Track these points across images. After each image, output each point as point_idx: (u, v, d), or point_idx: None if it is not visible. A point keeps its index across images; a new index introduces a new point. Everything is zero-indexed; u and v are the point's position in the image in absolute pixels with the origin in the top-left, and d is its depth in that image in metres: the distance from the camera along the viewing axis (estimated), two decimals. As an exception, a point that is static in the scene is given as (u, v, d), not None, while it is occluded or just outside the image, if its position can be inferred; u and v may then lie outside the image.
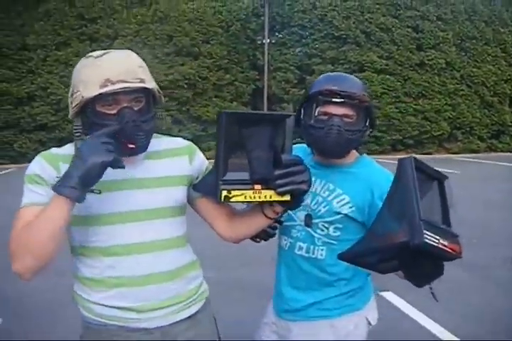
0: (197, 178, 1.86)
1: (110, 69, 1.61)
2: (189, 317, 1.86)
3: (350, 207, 2.12)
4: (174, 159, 1.84)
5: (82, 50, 19.79)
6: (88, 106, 1.62)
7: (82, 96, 1.61)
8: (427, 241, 1.41)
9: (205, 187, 1.75)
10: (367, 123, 2.14)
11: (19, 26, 19.70)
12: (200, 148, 2.00)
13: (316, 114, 2.08)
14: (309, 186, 1.62)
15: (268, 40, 21.02)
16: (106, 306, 1.75)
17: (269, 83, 21.30)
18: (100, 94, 1.58)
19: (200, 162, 1.90)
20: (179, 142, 1.91)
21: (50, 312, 4.67)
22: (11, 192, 12.49)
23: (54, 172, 1.69)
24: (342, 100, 2.05)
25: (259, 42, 21.64)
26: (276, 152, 1.58)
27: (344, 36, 21.50)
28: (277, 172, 1.55)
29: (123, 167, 1.52)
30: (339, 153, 2.14)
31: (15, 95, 19.48)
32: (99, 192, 1.57)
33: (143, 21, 20.43)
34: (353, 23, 21.56)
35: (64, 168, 1.65)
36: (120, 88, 1.59)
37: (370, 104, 2.15)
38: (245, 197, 1.56)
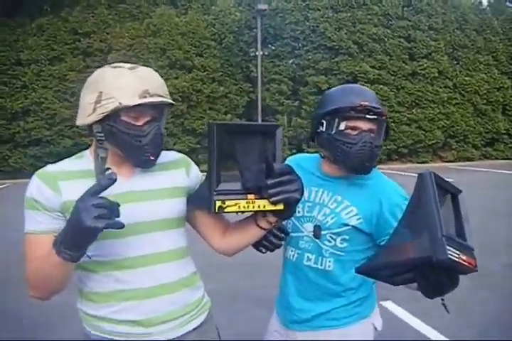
0: (194, 190, 1.88)
1: (150, 82, 1.67)
2: (195, 328, 1.87)
3: (358, 219, 2.13)
4: (171, 172, 1.87)
5: (75, 64, 19.94)
6: (115, 114, 1.64)
7: (120, 103, 1.62)
8: (450, 257, 1.41)
9: (198, 200, 1.76)
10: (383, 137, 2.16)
11: (13, 42, 19.72)
12: (194, 161, 2.02)
13: (343, 128, 2.06)
14: (301, 194, 1.62)
15: (261, 52, 21.05)
16: (114, 321, 1.75)
17: (263, 95, 21.33)
18: (139, 104, 1.61)
19: (196, 174, 1.93)
20: (174, 155, 1.95)
21: (46, 326, 4.67)
22: (6, 208, 12.43)
23: (52, 193, 1.69)
24: (375, 117, 2.06)
25: (252, 54, 21.66)
26: (268, 162, 1.60)
27: (337, 47, 21.58)
28: (270, 181, 1.56)
29: (121, 227, 1.47)
30: (369, 169, 2.14)
31: (9, 110, 19.46)
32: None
33: (136, 35, 20.46)
34: (345, 34, 21.65)
35: (63, 186, 1.69)
36: (158, 101, 1.64)
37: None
38: (239, 207, 1.57)
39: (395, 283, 1.64)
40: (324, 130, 2.12)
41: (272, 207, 1.61)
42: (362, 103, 2.03)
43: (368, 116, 2.05)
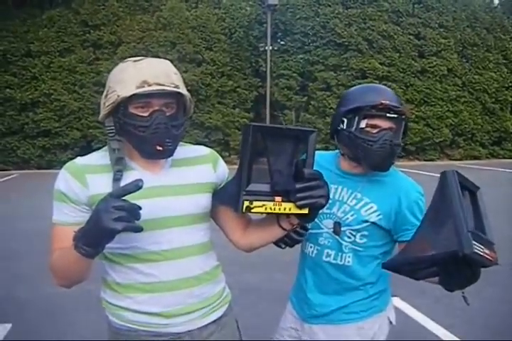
0: (220, 186, 1.89)
1: (148, 72, 1.66)
2: (215, 320, 1.89)
3: (378, 216, 2.17)
4: (199, 167, 1.88)
5: (85, 56, 19.98)
6: (121, 107, 1.66)
7: (118, 96, 1.64)
8: (476, 251, 1.45)
9: (225, 197, 1.76)
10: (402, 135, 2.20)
11: (23, 33, 19.75)
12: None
13: (364, 126, 2.11)
14: (327, 201, 1.63)
15: (271, 47, 21.01)
16: (136, 312, 1.78)
17: (272, 90, 21.31)
18: (135, 94, 1.62)
19: (223, 170, 1.94)
20: (202, 150, 1.96)
21: (59, 317, 4.73)
22: (14, 198, 12.50)
23: (80, 187, 1.72)
24: (395, 115, 2.10)
25: (261, 49, 21.62)
26: (298, 166, 1.61)
27: (346, 43, 21.54)
28: (298, 185, 1.57)
29: (140, 231, 1.48)
30: (388, 167, 2.18)
31: (19, 101, 19.51)
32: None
33: (146, 28, 20.49)
34: (355, 30, 21.61)
35: (90, 180, 1.72)
36: (155, 89, 1.63)
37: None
38: (265, 208, 1.59)
39: (417, 277, 1.68)
40: (345, 127, 2.16)
41: (297, 211, 1.62)
42: (383, 101, 2.08)
43: (388, 114, 2.09)
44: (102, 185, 1.70)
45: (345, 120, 2.16)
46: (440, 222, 1.56)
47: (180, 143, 1.86)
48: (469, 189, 1.72)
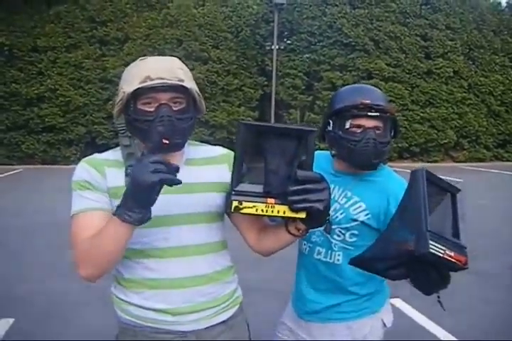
0: None
1: (151, 68, 1.69)
2: (223, 321, 1.88)
3: (366, 215, 2.19)
4: (214, 166, 1.88)
5: (91, 52, 20.00)
6: (130, 104, 1.69)
7: (124, 92, 1.68)
8: (432, 251, 1.45)
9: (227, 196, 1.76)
10: (391, 134, 2.22)
11: (30, 28, 19.76)
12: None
13: (348, 126, 2.14)
14: (326, 207, 1.56)
15: (277, 46, 21.01)
16: (142, 308, 1.78)
17: (277, 89, 21.31)
18: (139, 88, 1.64)
19: None
20: (218, 150, 1.96)
21: (62, 313, 4.74)
22: (18, 193, 12.53)
23: (100, 177, 1.76)
24: (377, 114, 2.12)
25: (268, 48, 21.64)
26: (294, 167, 1.54)
27: (353, 43, 21.52)
28: (292, 187, 1.51)
29: (179, 183, 1.48)
30: (375, 165, 2.21)
31: (24, 96, 19.54)
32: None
33: (153, 25, 20.50)
34: (362, 30, 21.58)
35: (109, 172, 1.75)
36: (157, 83, 1.65)
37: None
38: (256, 209, 1.53)
39: (390, 277, 1.69)
40: (331, 129, 2.21)
41: (293, 215, 1.54)
42: (362, 101, 2.12)
43: (369, 113, 2.12)
44: (118, 178, 1.74)
45: (331, 122, 2.21)
46: (406, 221, 1.57)
47: (196, 143, 1.89)
48: (449, 191, 1.71)
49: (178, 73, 1.71)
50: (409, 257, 1.53)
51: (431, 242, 1.46)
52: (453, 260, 1.50)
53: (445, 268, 1.56)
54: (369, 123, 2.13)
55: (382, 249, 1.64)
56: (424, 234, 1.47)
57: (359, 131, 2.13)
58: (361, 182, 2.25)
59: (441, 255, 1.47)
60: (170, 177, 1.46)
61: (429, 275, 1.56)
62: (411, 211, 1.57)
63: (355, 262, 1.77)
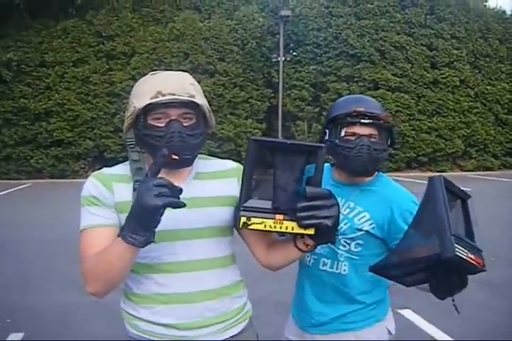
0: None
1: (163, 83, 1.68)
2: (232, 336, 1.86)
3: (371, 224, 2.20)
4: (223, 180, 1.87)
5: (99, 66, 20.13)
6: (140, 119, 1.69)
7: (134, 107, 1.68)
8: (458, 254, 1.45)
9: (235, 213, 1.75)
10: (388, 142, 2.24)
11: (38, 43, 19.98)
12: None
13: (343, 134, 2.17)
14: (334, 223, 1.56)
15: (283, 58, 21.08)
16: (151, 323, 1.77)
17: (284, 101, 21.36)
18: (150, 104, 1.64)
19: None
20: (228, 164, 1.94)
21: (71, 326, 4.73)
22: (27, 207, 12.54)
23: (107, 192, 1.75)
24: (370, 121, 2.15)
25: (274, 60, 21.68)
26: (303, 183, 1.54)
27: (359, 54, 21.59)
28: (300, 204, 1.50)
29: (184, 206, 1.47)
30: (369, 172, 2.24)
31: (32, 111, 19.68)
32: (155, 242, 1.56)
33: (159, 39, 20.63)
34: (368, 41, 21.65)
35: (116, 187, 1.75)
36: (168, 99, 1.64)
37: (392, 123, 2.24)
38: (265, 225, 1.52)
39: (406, 283, 1.69)
40: (328, 138, 2.24)
41: (301, 231, 1.54)
42: (356, 109, 2.15)
43: (362, 120, 2.15)
44: (126, 193, 1.73)
45: (327, 131, 2.26)
46: (426, 227, 1.57)
47: (206, 156, 1.89)
48: (460, 197, 1.73)
49: (189, 89, 1.70)
50: (429, 262, 1.53)
51: (456, 245, 1.47)
52: (473, 262, 1.51)
53: (466, 271, 1.57)
54: (363, 130, 2.15)
55: (398, 257, 1.64)
56: (450, 238, 1.47)
57: (353, 138, 2.16)
58: (362, 192, 2.26)
59: (464, 257, 1.48)
60: (174, 200, 1.46)
61: (449, 279, 1.56)
62: (430, 218, 1.57)
63: (373, 269, 1.76)
